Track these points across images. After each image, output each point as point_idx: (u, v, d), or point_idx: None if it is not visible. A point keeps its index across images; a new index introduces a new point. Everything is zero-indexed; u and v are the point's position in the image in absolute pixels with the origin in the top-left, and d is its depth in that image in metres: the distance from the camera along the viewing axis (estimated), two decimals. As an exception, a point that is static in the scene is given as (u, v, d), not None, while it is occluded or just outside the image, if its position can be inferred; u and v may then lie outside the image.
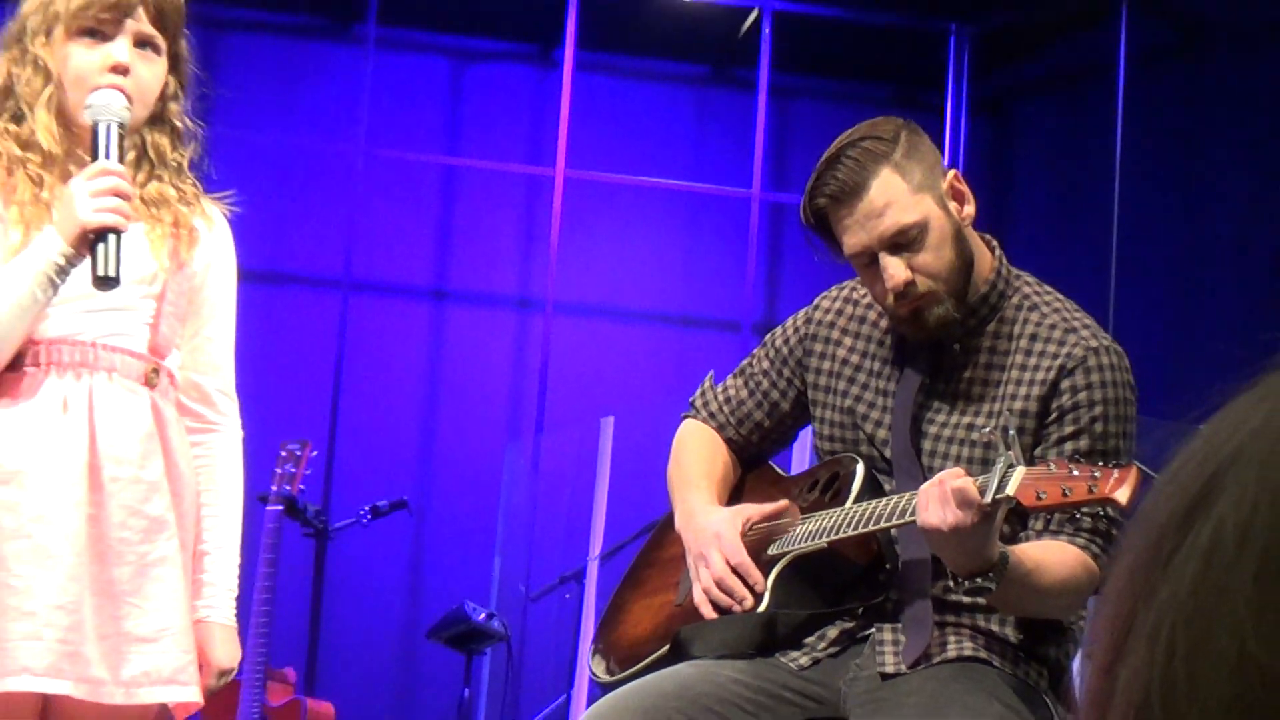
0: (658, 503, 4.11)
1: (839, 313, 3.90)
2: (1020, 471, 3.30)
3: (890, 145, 3.63)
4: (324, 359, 8.59)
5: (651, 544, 4.16)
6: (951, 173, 3.71)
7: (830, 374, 3.86)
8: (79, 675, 3.37)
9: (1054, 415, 3.62)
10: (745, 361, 4.05)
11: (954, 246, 3.65)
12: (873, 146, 3.62)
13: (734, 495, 3.99)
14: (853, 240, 3.62)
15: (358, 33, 8.81)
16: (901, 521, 3.52)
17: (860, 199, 3.60)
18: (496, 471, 8.67)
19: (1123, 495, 3.29)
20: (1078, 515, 3.52)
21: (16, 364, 3.44)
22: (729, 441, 4.02)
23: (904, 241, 3.60)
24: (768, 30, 8.94)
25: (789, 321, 4.00)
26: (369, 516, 7.55)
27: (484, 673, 7.88)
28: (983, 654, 3.62)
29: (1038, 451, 3.58)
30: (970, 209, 3.71)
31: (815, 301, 3.98)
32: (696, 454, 4.01)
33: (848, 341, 3.87)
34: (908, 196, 3.60)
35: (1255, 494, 0.69)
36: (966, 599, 3.61)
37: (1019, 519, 3.55)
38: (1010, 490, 3.29)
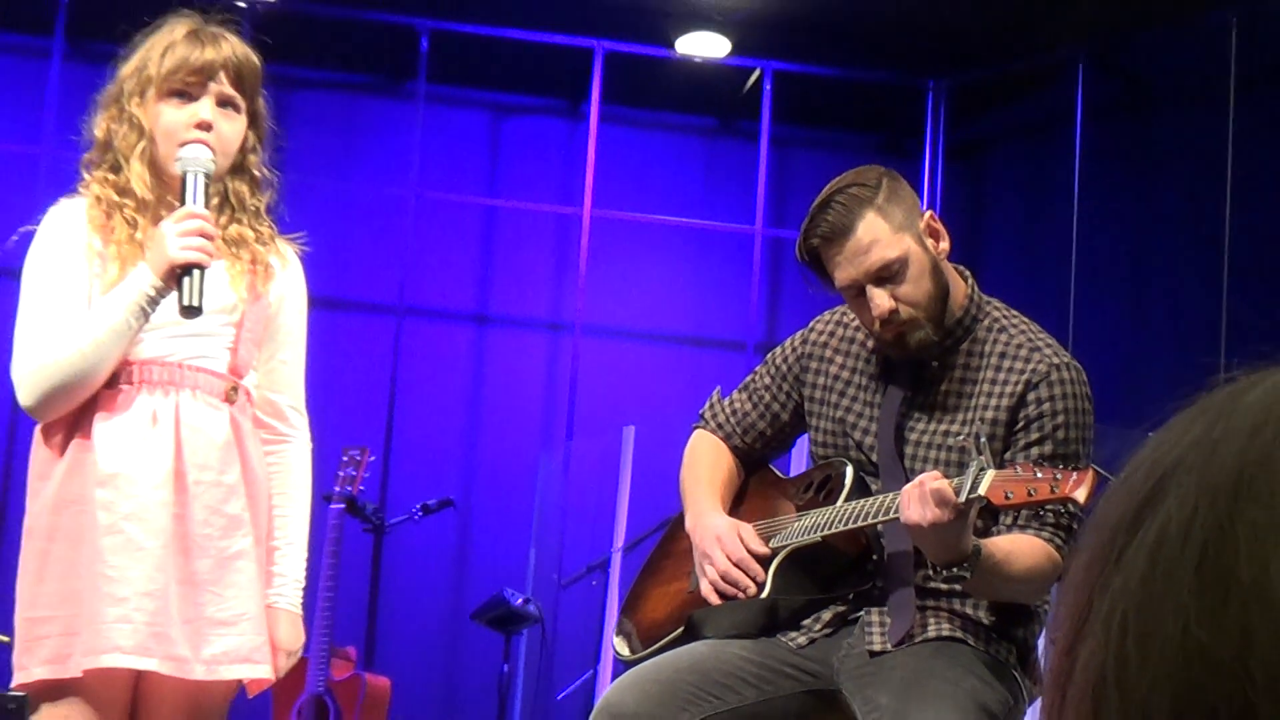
0: (672, 502, 4.11)
1: (831, 334, 3.91)
2: (990, 474, 3.32)
3: (873, 191, 3.64)
4: (381, 375, 8.59)
5: (667, 538, 4.16)
6: (928, 213, 3.73)
7: (824, 388, 3.87)
8: (165, 654, 3.38)
9: (1021, 424, 3.62)
10: (749, 377, 4.06)
11: (931, 278, 3.66)
12: (858, 192, 3.63)
13: (739, 496, 4.00)
14: (842, 275, 3.63)
15: (409, 90, 8.81)
16: (887, 518, 3.54)
17: (848, 239, 3.61)
18: (532, 474, 8.66)
19: (1081, 494, 3.31)
20: (1042, 512, 3.53)
21: (113, 382, 3.45)
22: (734, 449, 4.03)
23: (888, 275, 3.61)
24: (768, 87, 8.95)
25: (787, 342, 4.01)
26: (420, 514, 7.56)
27: (521, 651, 7.88)
28: (959, 634, 3.63)
29: (1007, 456, 3.59)
30: (945, 244, 3.72)
31: (810, 324, 3.99)
32: (705, 461, 4.02)
33: (839, 360, 3.87)
34: (890, 235, 3.61)
35: (1195, 497, 0.69)
36: (944, 586, 3.62)
37: (991, 515, 3.56)
38: (982, 490, 3.31)
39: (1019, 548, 3.52)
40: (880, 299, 3.60)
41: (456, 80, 8.88)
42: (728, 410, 4.03)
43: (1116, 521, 0.72)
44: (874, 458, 3.75)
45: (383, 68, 8.93)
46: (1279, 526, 0.67)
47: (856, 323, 3.84)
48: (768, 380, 3.98)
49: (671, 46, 8.75)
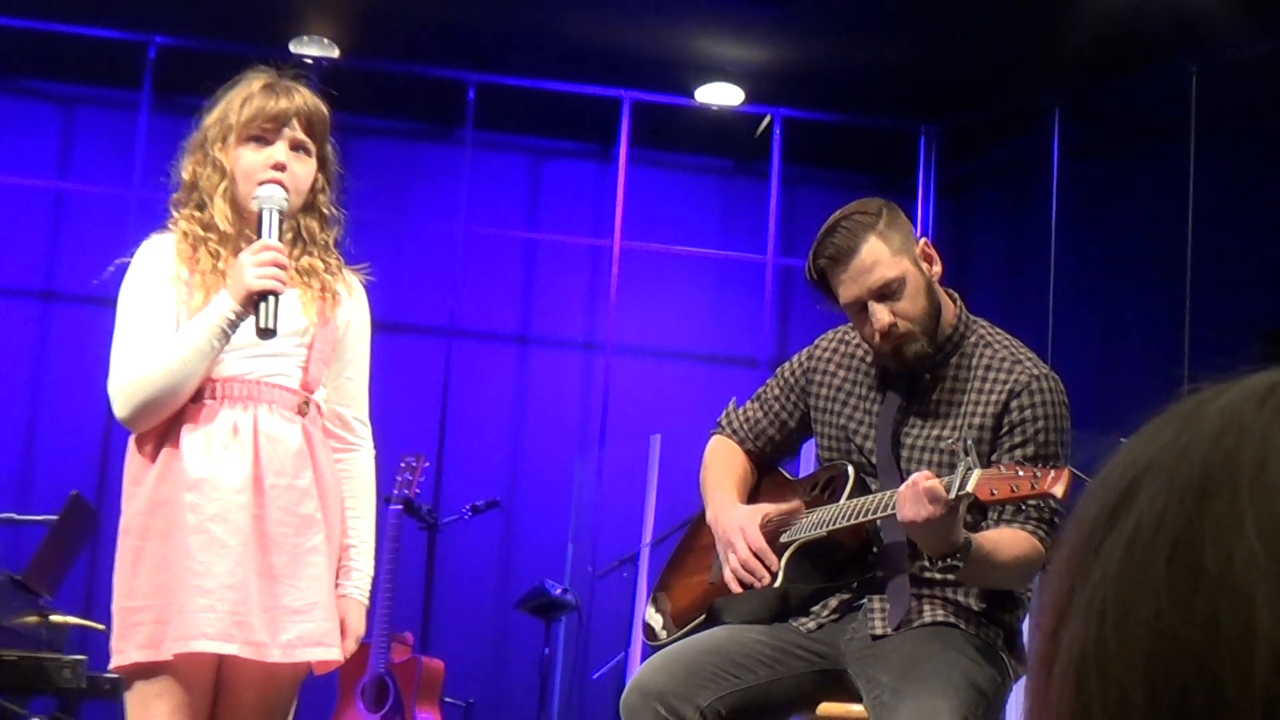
0: (694, 502, 4.11)
1: (834, 351, 3.92)
2: (977, 473, 3.32)
3: (875, 218, 3.65)
4: (433, 390, 8.60)
5: (689, 534, 4.16)
6: (923, 240, 3.74)
7: (828, 399, 3.87)
8: (245, 639, 3.38)
9: (1005, 429, 3.62)
10: (760, 389, 4.06)
11: (926, 296, 3.66)
12: (861, 219, 3.64)
13: (752, 495, 4.00)
14: (846, 292, 3.64)
15: (458, 136, 8.83)
16: (885, 514, 3.54)
17: (853, 260, 3.62)
18: (568, 477, 8.66)
19: (1059, 490, 3.32)
20: (1025, 507, 3.52)
21: (199, 397, 3.46)
22: (748, 453, 4.03)
23: (887, 292, 3.61)
24: (778, 132, 8.95)
25: (795, 358, 4.01)
26: (469, 513, 7.57)
27: (560, 635, 7.88)
28: (952, 619, 3.63)
29: (994, 457, 3.59)
30: (938, 268, 3.73)
31: (815, 342, 4.00)
32: (722, 463, 4.02)
33: (841, 373, 3.88)
34: (889, 257, 3.62)
35: (1165, 496, 0.69)
36: (938, 575, 3.62)
37: (979, 511, 3.56)
38: (970, 488, 3.31)
39: (1006, 540, 3.51)
40: (881, 314, 3.61)
41: (500, 127, 8.89)
42: (742, 418, 4.04)
43: (1095, 517, 0.72)
44: (873, 460, 3.75)
45: (434, 117, 8.95)
46: (1241, 522, 0.67)
47: (857, 340, 3.85)
48: (777, 391, 3.99)
49: (691, 96, 8.76)
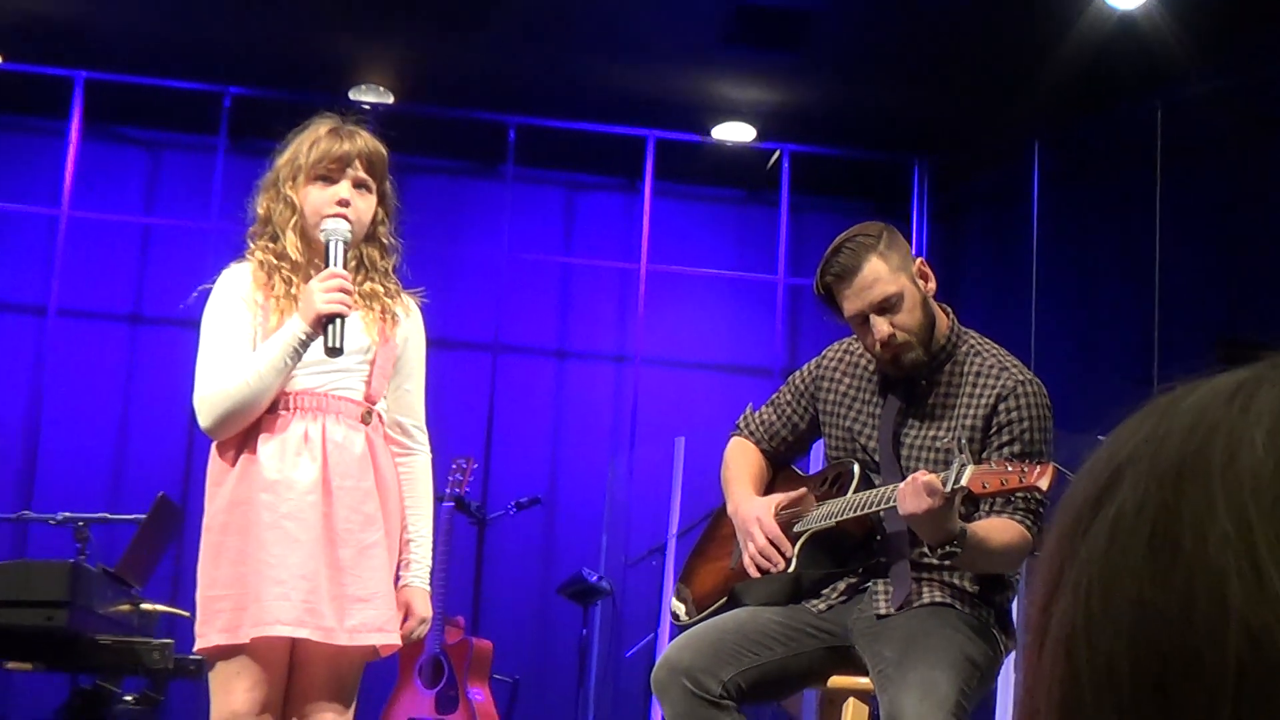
0: (715, 497, 4.11)
1: (840, 360, 3.92)
2: (970, 469, 3.33)
3: (875, 239, 3.65)
4: (481, 399, 8.61)
5: (712, 526, 4.16)
6: (919, 259, 3.74)
7: (835, 403, 3.87)
8: (315, 625, 3.39)
9: (995, 428, 3.62)
10: (774, 395, 4.06)
11: (922, 310, 3.66)
12: (863, 240, 3.65)
13: (767, 490, 4.00)
14: (850, 306, 3.64)
15: (501, 172, 8.84)
16: (887, 506, 3.54)
17: (856, 277, 3.62)
18: (602, 476, 8.66)
19: (1044, 483, 3.32)
20: (1013, 499, 3.52)
21: (274, 408, 3.48)
22: (763, 452, 4.03)
23: (887, 306, 3.62)
24: (786, 165, 8.96)
25: (805, 367, 4.01)
26: (514, 509, 7.57)
27: (596, 618, 7.87)
28: (949, 600, 3.62)
29: (984, 454, 3.58)
30: (932, 285, 3.73)
31: (823, 352, 4.00)
32: (741, 461, 4.02)
33: (846, 380, 3.88)
34: (889, 275, 3.62)
35: (1146, 484, 0.69)
36: (936, 561, 3.62)
37: (972, 503, 3.55)
38: (964, 481, 3.32)
39: (997, 528, 3.51)
40: (881, 326, 3.61)
41: (538, 164, 8.91)
42: (757, 421, 4.04)
43: (1082, 502, 0.72)
44: (876, 458, 3.75)
45: (479, 155, 8.96)
46: (1214, 506, 0.67)
47: (860, 349, 3.84)
48: (789, 397, 3.99)
49: (708, 134, 8.77)
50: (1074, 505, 0.73)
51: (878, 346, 3.64)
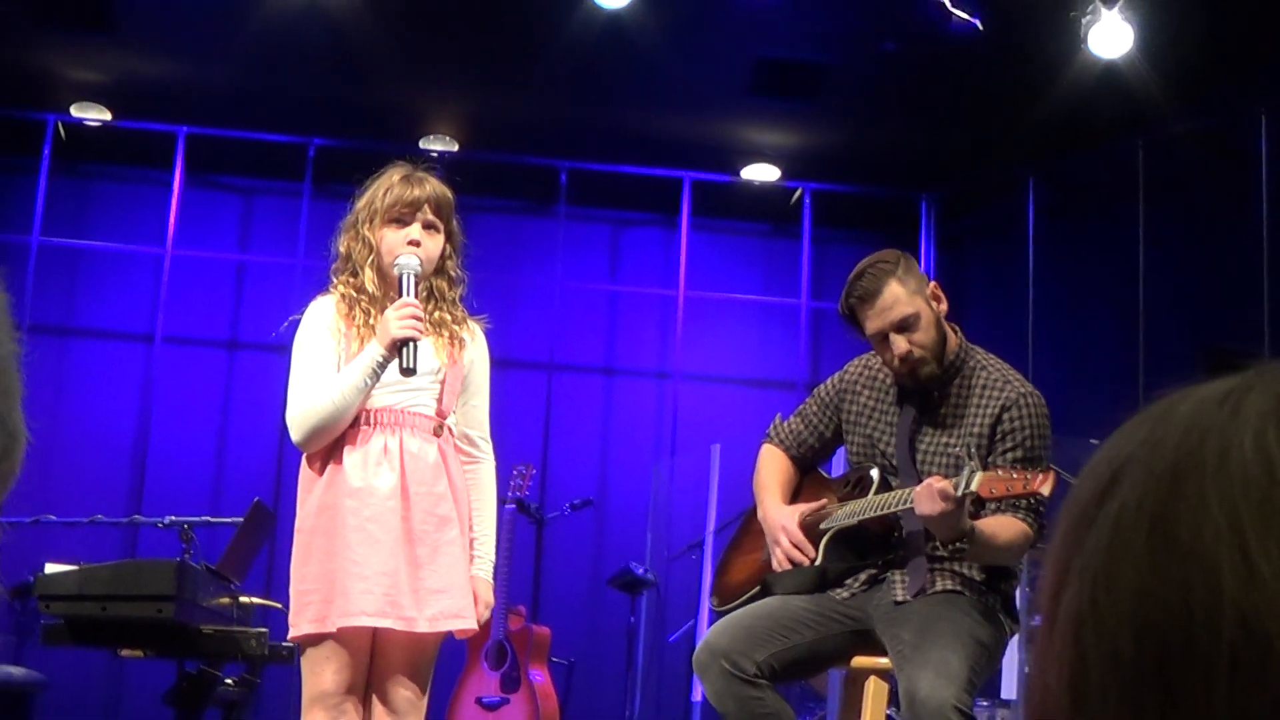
0: (747, 498, 4.10)
1: (860, 375, 3.91)
2: (979, 475, 3.33)
3: (894, 265, 3.64)
4: (538, 412, 8.62)
5: (745, 524, 4.15)
6: (933, 283, 3.72)
7: (857, 414, 3.86)
8: (397, 615, 3.40)
9: (1000, 436, 3.61)
10: (801, 406, 4.05)
11: (936, 329, 3.65)
12: (883, 266, 3.64)
13: (796, 491, 3.99)
14: (871, 326, 3.64)
15: (553, 210, 8.86)
16: (905, 508, 3.53)
17: (877, 299, 3.61)
18: (647, 479, 8.65)
19: (1045, 489, 3.33)
20: (1017, 500, 3.50)
21: (355, 423, 3.50)
22: (791, 458, 4.02)
23: (905, 326, 3.61)
24: (808, 201, 8.95)
25: (828, 381, 4.00)
26: (569, 510, 7.56)
27: (643, 607, 7.86)
28: (959, 588, 3.61)
29: (990, 459, 3.57)
30: (944, 306, 3.72)
31: (845, 368, 3.99)
32: (771, 468, 4.02)
33: (866, 393, 3.87)
34: (907, 297, 3.61)
35: (1144, 482, 0.69)
36: (947, 554, 3.60)
37: (979, 504, 3.53)
38: (973, 487, 3.32)
39: (1002, 525, 3.50)
40: (900, 343, 3.61)
41: (586, 203, 8.93)
42: (786, 430, 4.03)
43: (1086, 500, 0.71)
44: (894, 462, 3.75)
45: (534, 196, 8.98)
46: (1207, 503, 0.66)
47: (878, 364, 3.84)
48: (815, 408, 3.98)
49: (737, 175, 8.77)
50: (1079, 502, 0.72)
51: (896, 361, 3.64)
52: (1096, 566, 0.69)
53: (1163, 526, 0.67)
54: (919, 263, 3.73)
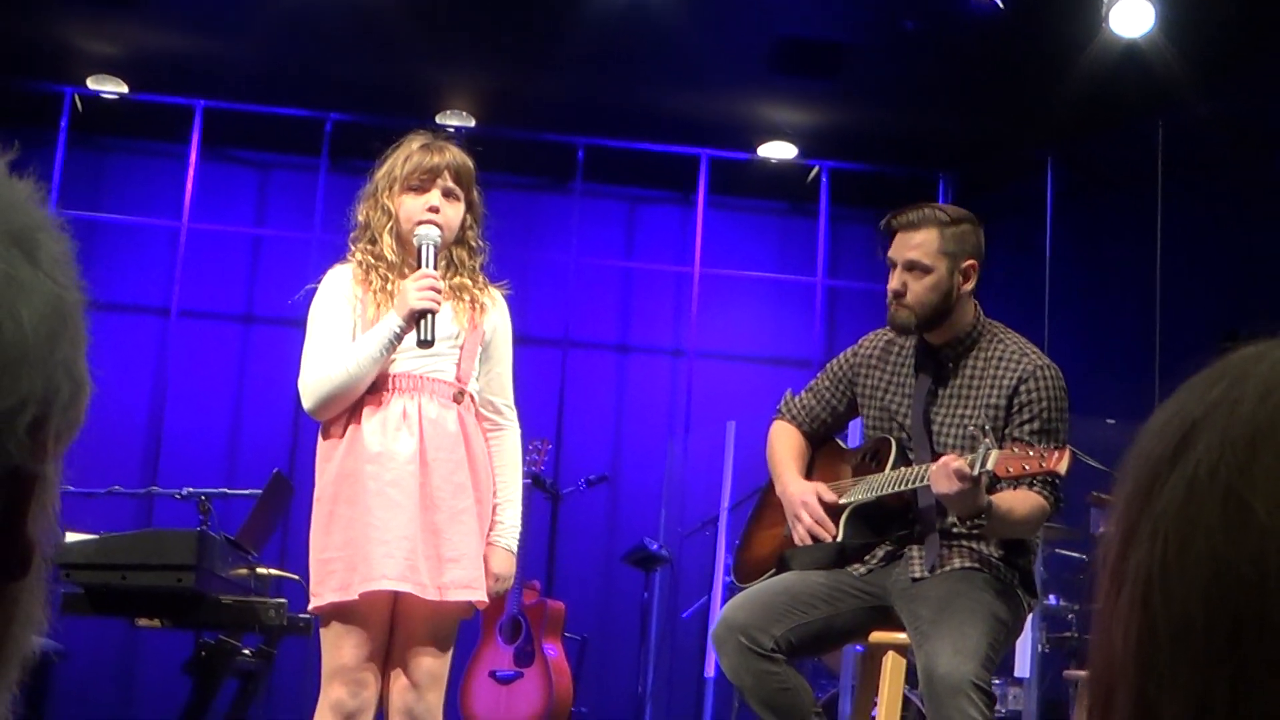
0: (762, 474, 4.11)
1: (875, 349, 3.92)
2: (995, 453, 3.35)
3: (948, 221, 3.67)
4: (553, 387, 8.61)
5: (761, 500, 4.15)
6: (972, 260, 3.70)
7: (873, 387, 3.86)
8: (415, 581, 3.40)
9: (1016, 408, 3.61)
10: (812, 382, 4.07)
11: (940, 296, 3.66)
12: (939, 215, 3.69)
13: (811, 462, 3.99)
14: (892, 251, 3.69)
15: (570, 187, 8.85)
16: (921, 484, 3.52)
17: (910, 233, 3.65)
18: (662, 455, 8.64)
19: (1061, 467, 3.34)
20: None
21: (375, 388, 3.50)
22: (803, 433, 4.04)
23: (912, 268, 3.63)
24: (825, 179, 8.92)
25: (842, 355, 4.01)
26: (584, 485, 7.58)
27: (656, 583, 7.86)
28: (976, 565, 3.61)
29: (1006, 430, 3.57)
30: (969, 285, 3.71)
31: (859, 341, 4.00)
32: (784, 443, 4.02)
33: (881, 366, 3.88)
34: (934, 250, 3.64)
35: (1220, 446, 0.66)
36: (963, 530, 3.60)
37: (997, 479, 3.52)
38: (989, 466, 3.34)
39: (1019, 499, 3.51)
40: (896, 280, 3.67)
41: (603, 180, 8.91)
42: (798, 405, 4.03)
43: (1157, 459, 0.69)
44: (910, 434, 3.73)
45: (551, 172, 8.96)
46: None
47: (892, 337, 3.84)
48: (827, 383, 3.98)
49: (754, 152, 8.73)
50: (1149, 458, 0.70)
51: (889, 293, 3.65)
52: (1168, 529, 0.66)
53: (1238, 496, 0.65)
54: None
